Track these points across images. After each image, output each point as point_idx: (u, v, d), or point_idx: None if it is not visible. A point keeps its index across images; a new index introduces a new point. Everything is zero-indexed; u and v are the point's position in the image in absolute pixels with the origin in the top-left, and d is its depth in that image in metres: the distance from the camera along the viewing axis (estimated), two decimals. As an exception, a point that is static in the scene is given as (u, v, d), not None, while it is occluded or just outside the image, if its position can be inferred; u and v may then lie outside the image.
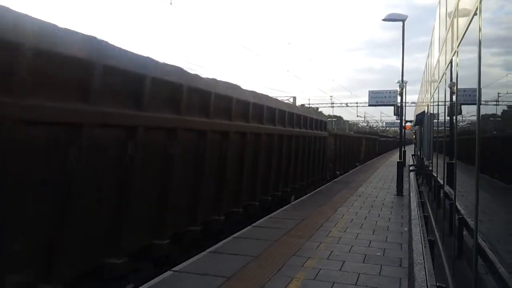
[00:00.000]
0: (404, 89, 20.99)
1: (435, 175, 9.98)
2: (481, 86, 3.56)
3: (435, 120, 11.12)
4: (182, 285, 5.79)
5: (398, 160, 17.18)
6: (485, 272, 3.44)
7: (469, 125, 5.02)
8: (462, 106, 5.58)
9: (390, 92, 38.53)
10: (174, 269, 6.34)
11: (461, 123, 5.70)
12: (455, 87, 5.81)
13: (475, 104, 3.77)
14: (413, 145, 59.50)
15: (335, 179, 20.20)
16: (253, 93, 10.57)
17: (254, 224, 9.53)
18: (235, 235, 8.52)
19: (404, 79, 20.43)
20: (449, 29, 6.86)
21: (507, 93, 3.04)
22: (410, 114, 40.40)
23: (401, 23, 18.47)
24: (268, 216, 10.57)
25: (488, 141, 3.57)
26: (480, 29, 3.53)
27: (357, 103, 63.83)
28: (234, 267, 6.47)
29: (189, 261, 6.73)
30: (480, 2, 3.55)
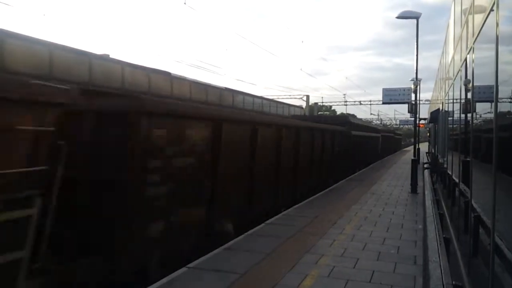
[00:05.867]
0: (418, 87, 20.82)
1: (450, 172, 9.91)
2: (498, 83, 3.54)
3: (450, 118, 11.03)
4: (197, 281, 5.84)
5: (413, 158, 17.08)
6: (502, 271, 3.42)
7: (485, 122, 4.98)
8: (478, 103, 5.53)
9: (404, 90, 38.31)
10: (188, 265, 6.39)
11: (476, 121, 5.65)
12: (471, 84, 5.76)
13: (492, 101, 3.75)
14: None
15: (350, 177, 20.10)
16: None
17: (267, 221, 9.56)
18: (249, 232, 8.55)
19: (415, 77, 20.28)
20: (464, 26, 6.81)
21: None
22: (423, 112, 39.99)
23: (410, 22, 18.45)
24: (282, 213, 10.59)
25: (506, 139, 3.55)
26: (497, 25, 3.50)
27: (370, 101, 63.44)
28: (248, 264, 6.50)
29: (203, 258, 6.78)
30: (498, -2, 3.52)
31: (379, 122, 75.54)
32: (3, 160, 3.86)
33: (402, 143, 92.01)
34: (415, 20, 19.07)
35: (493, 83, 3.60)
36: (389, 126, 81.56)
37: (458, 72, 7.69)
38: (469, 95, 6.14)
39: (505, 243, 3.35)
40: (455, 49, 8.74)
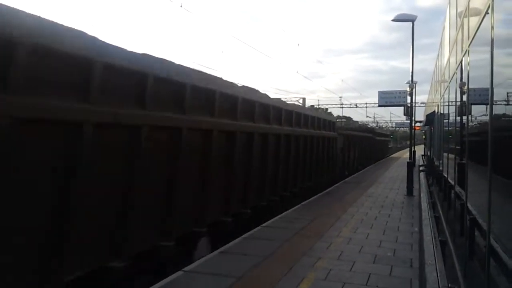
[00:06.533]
0: (414, 89, 20.88)
1: (446, 175, 9.93)
2: (494, 86, 3.54)
3: (445, 120, 11.06)
4: (193, 285, 5.81)
5: (408, 161, 17.11)
6: (498, 273, 3.42)
7: (480, 125, 4.99)
8: (473, 106, 5.55)
9: (400, 93, 38.37)
10: (185, 269, 6.37)
11: (471, 123, 5.67)
12: (466, 87, 5.78)
13: (487, 104, 3.75)
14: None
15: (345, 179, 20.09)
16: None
17: (264, 224, 9.55)
18: (245, 235, 8.53)
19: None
20: (459, 29, 6.83)
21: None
22: (419, 115, 40.13)
23: (405, 25, 18.55)
24: (278, 216, 10.57)
25: (501, 141, 3.55)
26: (492, 28, 3.51)
27: (366, 103, 63.36)
28: (245, 267, 6.48)
29: (199, 261, 6.76)
30: (493, 0, 3.53)
31: (375, 125, 75.65)
32: None
33: (398, 146, 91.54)
34: (410, 23, 19.15)
35: (488, 85, 3.61)
36: (384, 129, 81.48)
37: (453, 74, 7.71)
38: (465, 98, 6.16)
39: (500, 245, 3.35)
40: (450, 52, 8.77)
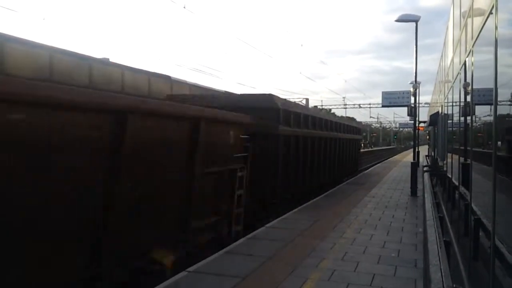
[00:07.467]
0: (417, 90, 20.86)
1: (450, 176, 9.91)
2: (498, 86, 3.54)
3: (449, 121, 11.04)
4: (197, 285, 5.83)
5: (412, 161, 17.09)
6: (503, 274, 3.42)
7: (484, 125, 4.99)
8: (477, 106, 5.54)
9: (403, 93, 38.27)
10: (189, 269, 6.38)
11: (475, 124, 5.66)
12: (470, 87, 5.77)
13: (491, 104, 3.75)
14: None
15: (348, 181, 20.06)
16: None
17: (267, 225, 9.56)
18: (249, 236, 8.55)
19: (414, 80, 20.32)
20: (463, 29, 6.82)
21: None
22: (422, 115, 40.07)
23: (409, 26, 18.59)
24: (281, 217, 10.58)
25: (505, 141, 3.55)
26: (496, 28, 3.51)
27: (369, 104, 63.33)
28: (249, 267, 6.49)
29: (204, 262, 6.77)
30: (497, 1, 3.53)
31: (378, 125, 75.46)
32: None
33: (402, 146, 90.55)
34: (413, 24, 19.16)
35: (492, 86, 3.60)
36: (388, 129, 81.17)
37: (457, 75, 7.70)
38: (469, 98, 6.15)
39: (505, 246, 3.35)
40: (454, 52, 8.75)
